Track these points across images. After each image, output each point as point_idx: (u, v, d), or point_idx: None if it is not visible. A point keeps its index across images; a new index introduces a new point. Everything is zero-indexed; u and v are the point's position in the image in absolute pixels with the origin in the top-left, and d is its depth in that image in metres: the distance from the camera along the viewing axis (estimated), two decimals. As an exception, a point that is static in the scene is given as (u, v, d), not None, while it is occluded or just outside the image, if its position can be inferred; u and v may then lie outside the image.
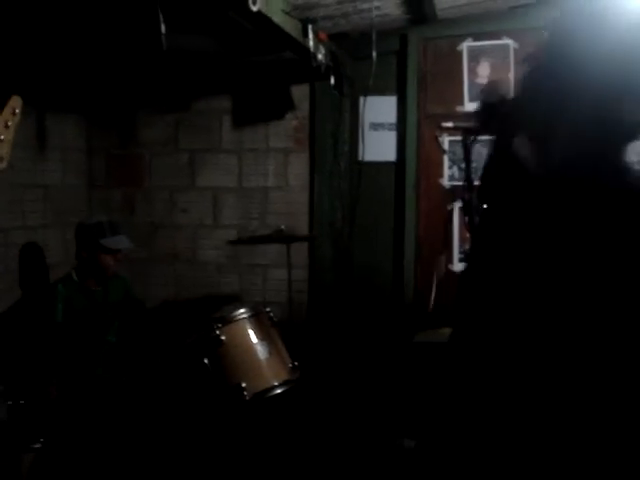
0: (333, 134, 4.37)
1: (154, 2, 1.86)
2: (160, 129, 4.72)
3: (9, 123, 1.97)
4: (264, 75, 4.45)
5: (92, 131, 4.79)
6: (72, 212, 4.53)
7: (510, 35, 4.06)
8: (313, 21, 3.41)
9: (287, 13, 3.14)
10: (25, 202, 4.21)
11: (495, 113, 1.68)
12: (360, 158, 4.32)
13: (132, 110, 4.75)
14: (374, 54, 3.44)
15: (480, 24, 4.09)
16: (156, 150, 4.74)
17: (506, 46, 4.07)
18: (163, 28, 1.92)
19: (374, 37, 3.42)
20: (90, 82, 4.62)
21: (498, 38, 4.09)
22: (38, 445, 3.07)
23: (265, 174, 4.54)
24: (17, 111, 2.00)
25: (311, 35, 3.41)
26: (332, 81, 4.00)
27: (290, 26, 3.25)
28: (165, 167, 4.73)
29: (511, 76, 4.00)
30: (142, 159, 4.76)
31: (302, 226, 4.45)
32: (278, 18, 3.04)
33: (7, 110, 1.97)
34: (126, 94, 4.73)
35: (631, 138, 1.34)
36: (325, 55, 3.68)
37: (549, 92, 1.42)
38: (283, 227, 3.85)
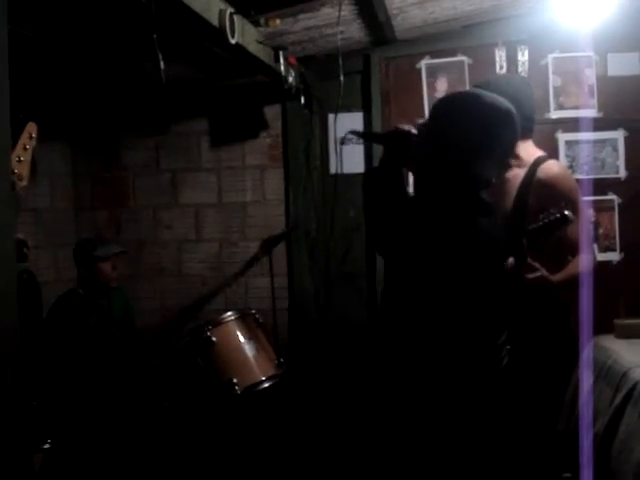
0: (305, 150, 4.68)
1: (152, 40, 2.15)
2: (142, 152, 4.97)
3: (27, 146, 2.26)
4: (238, 97, 4.74)
5: (77, 157, 5.02)
6: (61, 234, 4.77)
7: (464, 52, 4.39)
8: (283, 48, 3.71)
9: (260, 42, 3.44)
10: (18, 225, 4.42)
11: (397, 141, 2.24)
12: (331, 171, 4.64)
13: (114, 135, 4.99)
14: (342, 76, 3.73)
15: (436, 43, 4.41)
16: (139, 172, 4.98)
17: (461, 62, 4.38)
18: (162, 64, 2.21)
19: (340, 60, 3.70)
20: (73, 110, 4.88)
21: (453, 55, 4.40)
22: (47, 446, 3.29)
23: (243, 190, 4.82)
24: (33, 136, 2.29)
25: (282, 60, 3.69)
26: (302, 101, 4.31)
27: (263, 53, 3.53)
28: (148, 187, 4.97)
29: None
30: (126, 181, 5.01)
31: (279, 238, 4.70)
32: (253, 47, 3.32)
33: (25, 135, 2.26)
34: (108, 120, 4.98)
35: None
36: (295, 77, 3.98)
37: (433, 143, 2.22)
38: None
